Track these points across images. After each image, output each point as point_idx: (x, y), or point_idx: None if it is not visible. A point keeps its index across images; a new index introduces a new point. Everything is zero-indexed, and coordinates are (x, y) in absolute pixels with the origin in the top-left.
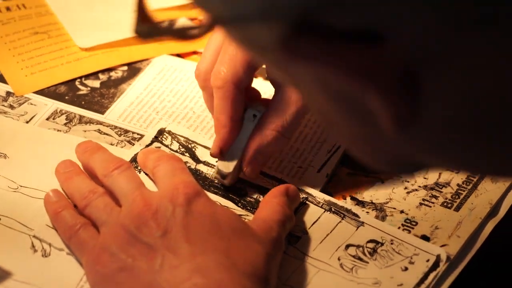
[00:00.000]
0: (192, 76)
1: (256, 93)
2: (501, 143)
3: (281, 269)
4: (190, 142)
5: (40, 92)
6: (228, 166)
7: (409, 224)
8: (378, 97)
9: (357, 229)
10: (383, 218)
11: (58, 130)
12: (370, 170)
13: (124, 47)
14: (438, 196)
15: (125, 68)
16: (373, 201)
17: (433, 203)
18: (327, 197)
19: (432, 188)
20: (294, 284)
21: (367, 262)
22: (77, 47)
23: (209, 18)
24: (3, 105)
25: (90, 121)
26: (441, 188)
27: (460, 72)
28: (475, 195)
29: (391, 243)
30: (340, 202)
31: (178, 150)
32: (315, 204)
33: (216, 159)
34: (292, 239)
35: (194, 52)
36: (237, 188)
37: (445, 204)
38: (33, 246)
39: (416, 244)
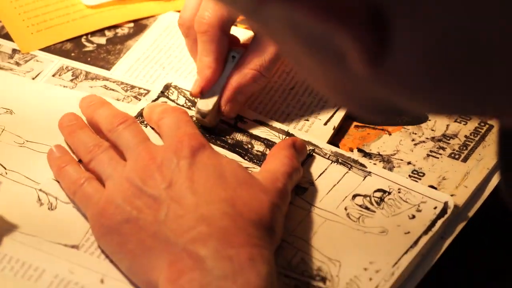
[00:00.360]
0: None
1: (235, 38)
2: (473, 80)
3: (288, 220)
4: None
5: (46, 49)
6: (207, 104)
7: (416, 175)
8: (348, 35)
9: (364, 179)
10: (390, 170)
11: (64, 86)
12: (377, 123)
13: (130, 4)
14: (446, 148)
15: (131, 25)
16: (380, 153)
17: (440, 154)
18: (334, 149)
19: (439, 140)
20: (301, 234)
21: (374, 211)
22: (83, 4)
23: None
24: (9, 62)
25: (96, 77)
26: (448, 140)
27: (428, 8)
28: (483, 146)
29: (399, 192)
30: (347, 153)
31: (185, 105)
32: (322, 156)
33: (196, 99)
34: (299, 190)
35: None
36: (243, 141)
37: (452, 155)
38: (39, 199)
39: (423, 192)
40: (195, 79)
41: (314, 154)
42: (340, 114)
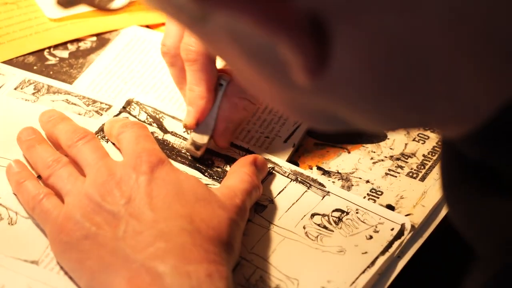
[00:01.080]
0: None
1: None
2: (413, 92)
3: (246, 237)
4: (158, 112)
5: (9, 62)
6: (202, 138)
7: (374, 194)
8: (287, 43)
9: (322, 199)
10: (348, 188)
11: (26, 100)
12: (336, 140)
13: (93, 18)
14: (404, 167)
15: (94, 38)
16: (339, 171)
17: (398, 173)
18: (294, 167)
19: (398, 159)
20: (260, 252)
21: (332, 231)
22: (46, 17)
23: None
24: None
25: (58, 91)
26: (406, 159)
27: (366, 26)
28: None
29: (356, 212)
30: (306, 172)
31: (146, 121)
32: (281, 174)
33: (188, 131)
34: (258, 208)
35: (163, 24)
36: (204, 158)
37: (410, 174)
38: None
39: (381, 213)
40: (188, 110)
41: (274, 172)
42: (300, 132)
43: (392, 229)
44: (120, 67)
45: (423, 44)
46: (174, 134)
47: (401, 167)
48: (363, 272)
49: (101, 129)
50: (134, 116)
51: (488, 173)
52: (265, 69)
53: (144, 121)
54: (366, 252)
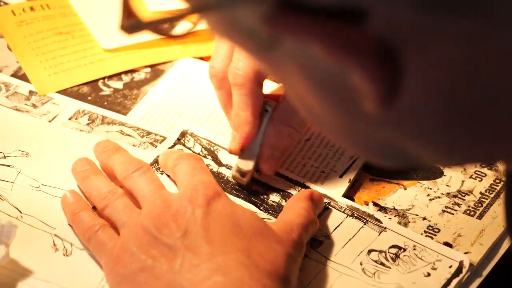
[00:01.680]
0: None
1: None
2: (484, 124)
3: (303, 273)
4: (212, 144)
5: (63, 92)
6: (247, 164)
7: (431, 231)
8: (361, 73)
9: (379, 235)
10: (405, 225)
11: (80, 130)
12: (393, 176)
13: (147, 49)
14: (461, 204)
15: (148, 70)
16: (396, 207)
17: (455, 210)
18: (350, 202)
19: (455, 196)
20: None
21: (390, 267)
22: (101, 47)
23: (194, 6)
24: (26, 104)
25: (113, 122)
26: (463, 196)
27: (436, 55)
28: (498, 203)
29: (414, 249)
30: (362, 207)
31: (201, 153)
32: (337, 209)
33: (235, 157)
34: (314, 243)
35: None
36: (260, 192)
37: (467, 212)
38: (54, 245)
39: (438, 250)
40: (233, 135)
41: (329, 207)
42: (356, 167)
43: (450, 267)
44: (174, 98)
45: (499, 77)
46: (229, 167)
47: (458, 205)
48: None
49: (156, 161)
50: (189, 148)
51: None
52: (332, 98)
53: (198, 153)
54: None
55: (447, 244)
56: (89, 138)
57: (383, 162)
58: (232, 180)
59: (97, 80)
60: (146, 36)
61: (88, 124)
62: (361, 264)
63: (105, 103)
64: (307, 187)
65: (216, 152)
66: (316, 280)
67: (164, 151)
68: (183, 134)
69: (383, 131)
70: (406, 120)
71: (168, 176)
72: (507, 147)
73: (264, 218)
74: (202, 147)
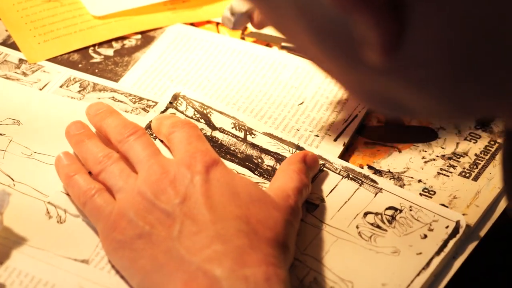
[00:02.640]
0: (206, 45)
1: None
2: (489, 74)
3: (299, 238)
4: (205, 107)
5: (53, 60)
6: (241, 6)
7: (427, 193)
8: (365, 18)
9: (375, 196)
10: (400, 187)
11: (72, 98)
12: (387, 139)
13: (137, 16)
14: (456, 166)
15: (139, 36)
16: (391, 170)
17: (451, 172)
18: (345, 164)
19: (449, 158)
20: (313, 253)
21: (386, 230)
22: (90, 15)
23: None
24: (16, 72)
25: (104, 89)
26: (458, 158)
27: (448, 4)
28: (493, 165)
29: (410, 210)
30: (358, 168)
31: (193, 116)
32: (332, 171)
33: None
34: (310, 207)
35: (208, 22)
36: (253, 155)
37: (463, 173)
38: (48, 212)
39: (435, 210)
40: None
41: (324, 169)
42: (350, 130)
43: (447, 227)
44: (166, 65)
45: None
46: (222, 130)
47: (454, 167)
48: (418, 274)
49: (149, 126)
50: (181, 112)
51: None
52: (334, 47)
53: (191, 117)
54: (420, 253)
55: (443, 205)
56: (81, 105)
57: (382, 111)
58: (226, 145)
59: (87, 48)
60: (135, 2)
61: (79, 92)
62: (357, 227)
63: (96, 71)
64: (302, 149)
65: (209, 115)
66: (312, 246)
67: (156, 115)
68: (175, 97)
69: (384, 80)
70: (408, 70)
71: (162, 141)
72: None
73: (259, 183)
74: (195, 110)
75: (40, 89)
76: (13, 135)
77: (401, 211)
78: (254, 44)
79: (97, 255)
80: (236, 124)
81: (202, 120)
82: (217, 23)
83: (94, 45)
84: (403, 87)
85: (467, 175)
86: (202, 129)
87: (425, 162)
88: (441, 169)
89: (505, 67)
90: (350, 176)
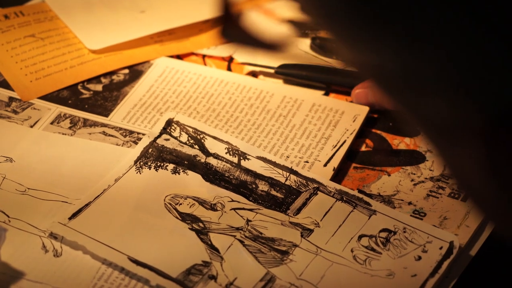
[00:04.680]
0: (194, 77)
1: None
2: None
3: (295, 263)
4: (198, 132)
5: (43, 97)
6: None
7: (417, 215)
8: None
9: (369, 218)
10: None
11: (63, 134)
12: (376, 164)
13: (126, 50)
14: (445, 187)
15: (127, 71)
16: (381, 194)
17: (440, 194)
18: (338, 186)
19: (438, 180)
20: (309, 278)
21: (380, 253)
22: (80, 51)
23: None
24: (6, 110)
25: (95, 124)
26: (447, 179)
27: None
28: None
29: (404, 231)
30: (351, 191)
31: (187, 142)
32: (326, 194)
33: None
34: (305, 232)
35: (193, 53)
36: (248, 181)
37: (452, 194)
38: (44, 246)
39: (428, 231)
40: None
41: (318, 192)
42: (339, 156)
43: (441, 248)
44: (154, 98)
45: None
46: (216, 156)
47: (442, 188)
48: None
49: (143, 155)
50: (175, 138)
51: None
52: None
53: (185, 143)
54: (415, 275)
55: (435, 227)
56: (72, 140)
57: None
58: (220, 171)
59: (76, 84)
60: (127, 35)
61: (70, 128)
62: (352, 251)
63: (86, 106)
64: (295, 173)
65: (202, 141)
66: (308, 271)
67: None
68: (169, 123)
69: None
70: None
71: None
72: None
73: (253, 209)
74: (189, 135)
75: (31, 126)
76: (6, 173)
77: (395, 233)
78: (240, 75)
79: (94, 286)
80: (230, 149)
81: (196, 146)
82: (203, 55)
83: (83, 82)
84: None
85: (456, 196)
86: (197, 155)
87: (415, 184)
88: (430, 191)
89: None
90: (344, 198)
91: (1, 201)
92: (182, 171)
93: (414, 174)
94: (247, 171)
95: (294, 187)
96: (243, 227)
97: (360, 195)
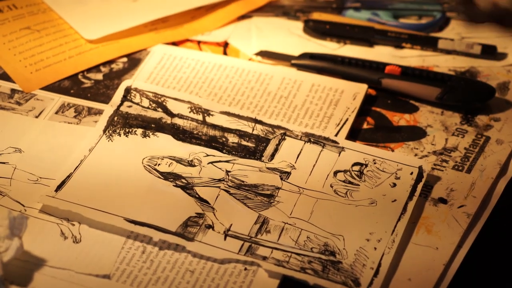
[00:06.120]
0: (192, 63)
1: None
2: None
3: (283, 204)
4: (159, 96)
5: (45, 87)
6: None
7: (424, 189)
8: None
9: (339, 155)
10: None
11: (68, 123)
12: (379, 140)
13: (123, 39)
14: (448, 160)
15: (125, 59)
16: None
17: (444, 167)
18: (304, 129)
19: (441, 153)
20: (299, 215)
21: (358, 185)
22: (76, 41)
23: None
24: (10, 102)
25: (100, 112)
26: (449, 153)
27: None
28: (484, 157)
29: (374, 163)
30: (317, 131)
31: (150, 106)
32: (294, 138)
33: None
34: (283, 175)
35: (188, 40)
36: (217, 136)
37: (456, 167)
38: (62, 233)
39: (397, 160)
40: None
41: (286, 137)
42: (343, 133)
43: (412, 173)
44: (155, 84)
45: None
46: (181, 116)
47: (446, 161)
48: (399, 219)
49: (110, 123)
50: (137, 104)
51: None
52: None
53: (148, 107)
54: (395, 200)
55: (441, 199)
56: (78, 129)
57: None
58: (188, 129)
59: (76, 74)
60: (122, 24)
61: (75, 116)
62: (331, 186)
63: (89, 95)
64: (259, 122)
65: (164, 103)
66: (296, 209)
67: None
68: (128, 91)
69: None
70: None
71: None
72: None
73: (229, 160)
74: (150, 100)
75: (36, 117)
76: (16, 163)
77: (366, 165)
78: (237, 59)
79: (117, 269)
80: (193, 108)
81: (159, 109)
82: (198, 41)
83: (82, 71)
84: None
85: (460, 168)
86: (162, 117)
87: (419, 159)
88: (435, 164)
89: None
90: (312, 140)
91: (15, 191)
92: (152, 134)
93: (417, 149)
94: (214, 126)
95: (262, 135)
96: (224, 178)
97: (327, 135)
